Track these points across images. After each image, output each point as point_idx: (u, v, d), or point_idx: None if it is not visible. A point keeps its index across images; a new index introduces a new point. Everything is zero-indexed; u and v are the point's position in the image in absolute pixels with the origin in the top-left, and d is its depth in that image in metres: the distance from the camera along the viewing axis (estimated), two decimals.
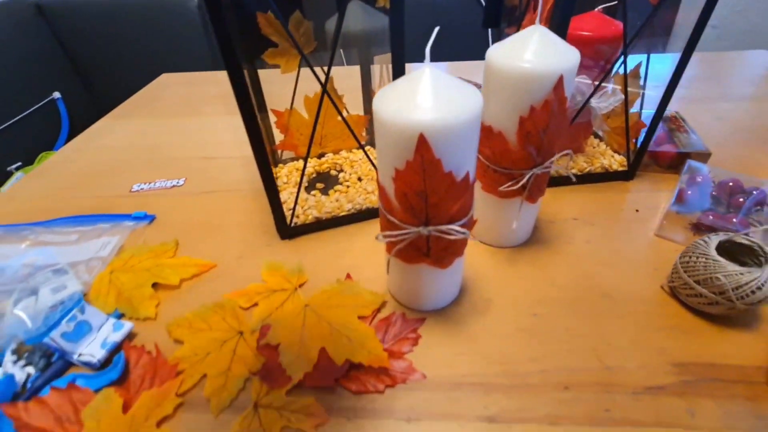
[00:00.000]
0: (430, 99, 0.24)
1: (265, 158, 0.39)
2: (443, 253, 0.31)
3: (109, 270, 0.42)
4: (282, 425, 0.29)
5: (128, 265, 0.42)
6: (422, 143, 0.24)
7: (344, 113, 0.52)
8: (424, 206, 0.28)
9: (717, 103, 0.68)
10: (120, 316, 0.38)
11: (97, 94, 1.46)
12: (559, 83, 0.30)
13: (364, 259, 0.42)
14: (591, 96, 0.43)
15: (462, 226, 0.29)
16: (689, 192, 0.44)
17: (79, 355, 0.34)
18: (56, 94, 1.33)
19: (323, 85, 0.38)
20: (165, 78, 0.94)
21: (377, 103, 0.26)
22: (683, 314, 0.35)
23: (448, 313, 0.37)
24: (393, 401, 0.31)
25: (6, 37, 1.24)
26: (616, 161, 0.52)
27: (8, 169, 1.18)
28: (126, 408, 0.31)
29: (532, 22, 0.41)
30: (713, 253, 0.33)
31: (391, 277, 0.37)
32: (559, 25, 0.37)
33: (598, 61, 0.46)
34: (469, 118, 0.25)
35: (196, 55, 1.33)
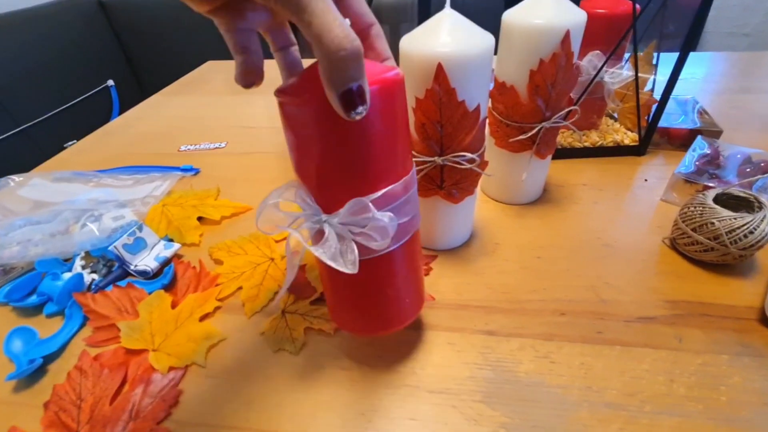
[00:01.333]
0: (448, 36, 0.29)
1: None
2: (455, 187, 0.35)
3: (162, 203, 0.48)
4: (305, 326, 0.34)
5: (177, 202, 0.48)
6: (440, 72, 0.28)
7: None
8: (440, 136, 0.32)
9: (737, 95, 0.69)
10: (170, 241, 0.43)
11: (145, 85, 1.58)
12: (566, 38, 0.34)
13: None
14: (602, 67, 0.47)
15: (473, 160, 0.32)
16: (697, 162, 0.46)
17: (136, 265, 0.39)
18: (110, 82, 1.45)
19: None
20: (209, 65, 1.02)
21: (404, 41, 0.30)
22: (680, 262, 0.38)
23: (458, 252, 0.40)
24: None
25: (70, 30, 1.38)
26: (629, 137, 0.54)
27: (65, 145, 1.30)
28: (174, 305, 0.36)
29: None
30: (709, 201, 0.35)
31: None
32: None
33: (611, 40, 0.49)
34: (481, 52, 0.29)
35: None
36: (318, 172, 0.24)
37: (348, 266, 0.23)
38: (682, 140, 0.53)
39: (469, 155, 0.32)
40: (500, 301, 0.35)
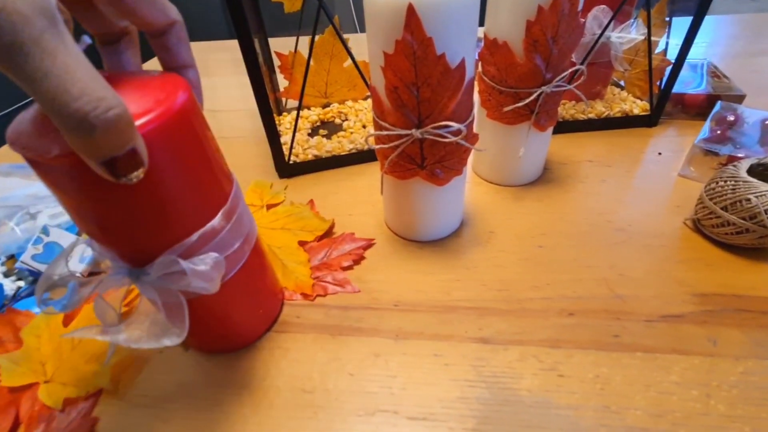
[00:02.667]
0: None
1: (262, 87, 0.37)
2: (439, 166, 0.29)
3: None
4: None
5: None
6: (411, 16, 0.22)
7: (347, 62, 0.51)
8: (416, 103, 0.26)
9: (755, 58, 0.62)
10: None
11: None
12: None
13: (361, 195, 0.41)
14: (609, 23, 0.40)
15: (459, 132, 0.26)
16: (718, 130, 0.40)
17: (58, 274, 0.33)
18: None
19: (321, 7, 0.37)
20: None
21: None
22: (707, 247, 0.32)
23: (446, 243, 0.34)
24: (379, 321, 0.29)
25: None
26: (639, 107, 0.48)
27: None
28: (67, 322, 0.29)
29: None
30: (743, 174, 0.30)
31: (386, 203, 0.35)
32: None
33: None
34: None
35: (215, 28, 1.35)
36: (105, 236, 0.20)
37: (175, 335, 0.20)
38: (698, 108, 0.47)
39: (454, 125, 0.26)
40: (496, 301, 0.29)
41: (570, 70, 0.32)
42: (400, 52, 0.24)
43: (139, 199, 0.18)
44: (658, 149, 0.44)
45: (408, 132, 0.27)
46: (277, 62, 0.52)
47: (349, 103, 0.57)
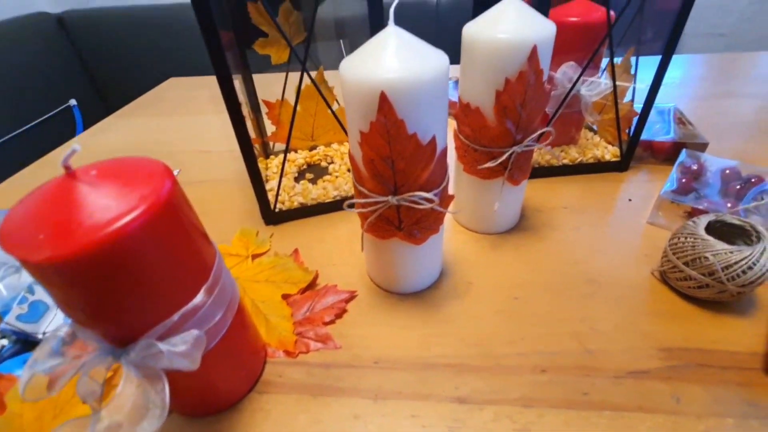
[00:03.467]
0: (394, 58, 0.24)
1: (245, 134, 0.39)
2: (416, 227, 0.30)
3: None
4: None
5: None
6: (384, 102, 0.24)
7: (335, 106, 0.53)
8: (392, 173, 0.27)
9: (720, 100, 0.66)
10: None
11: (110, 103, 1.51)
12: (533, 54, 0.30)
13: (344, 244, 0.42)
14: (578, 80, 0.43)
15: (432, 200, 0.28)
16: (683, 179, 0.42)
17: (44, 333, 0.34)
18: (72, 102, 1.38)
19: (305, 72, 0.39)
20: (171, 81, 0.96)
21: (344, 65, 0.25)
22: (673, 300, 0.34)
23: (425, 296, 0.35)
24: (359, 380, 0.29)
25: (28, 47, 1.31)
26: (610, 152, 0.50)
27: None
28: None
29: None
30: (702, 232, 0.31)
31: (367, 256, 0.36)
32: (540, 1, 0.36)
33: (587, 50, 0.46)
34: (434, 77, 0.24)
35: (205, 62, 1.37)
36: (90, 321, 0.21)
37: (156, 416, 0.20)
38: (666, 154, 0.50)
39: (425, 195, 0.27)
40: (473, 357, 0.30)
41: (539, 132, 0.34)
42: (375, 131, 0.25)
43: (124, 289, 0.19)
44: (629, 195, 0.46)
45: (384, 199, 0.28)
46: (264, 109, 0.53)
47: (335, 146, 0.58)
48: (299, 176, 0.53)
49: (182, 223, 0.21)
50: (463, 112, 0.35)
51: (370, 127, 0.25)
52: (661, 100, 0.46)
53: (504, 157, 0.34)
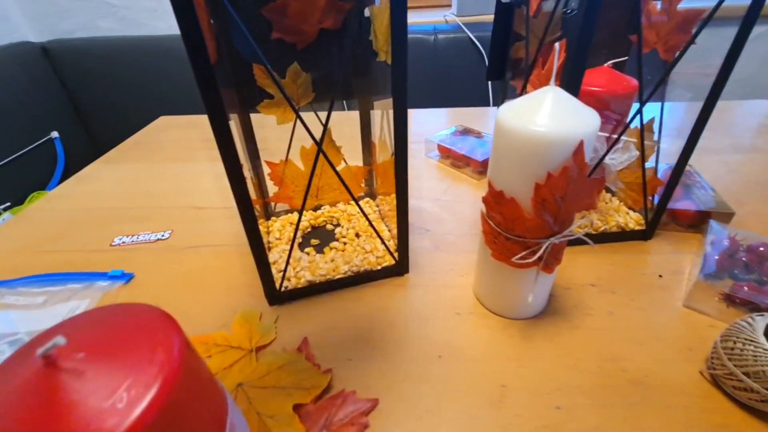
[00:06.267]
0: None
1: (252, 217, 0.35)
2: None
3: None
4: None
5: None
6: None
7: (342, 165, 0.50)
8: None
9: (727, 154, 0.66)
10: None
11: (95, 135, 1.46)
12: (580, 149, 0.27)
13: (359, 332, 0.38)
14: (606, 153, 0.41)
15: None
16: (716, 257, 0.40)
17: None
18: (54, 134, 1.32)
19: (318, 143, 0.36)
20: (163, 121, 0.92)
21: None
22: (732, 411, 0.30)
23: (454, 405, 0.32)
24: None
25: (11, 77, 1.26)
26: (632, 219, 0.48)
27: None
28: None
29: (541, 78, 0.39)
30: (762, 339, 0.29)
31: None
32: (571, 82, 0.34)
33: (609, 116, 0.44)
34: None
35: (197, 97, 1.34)
36: None
37: None
38: (690, 221, 0.48)
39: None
40: None
41: (580, 222, 0.32)
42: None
43: None
44: (657, 268, 0.43)
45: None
46: (267, 169, 0.50)
47: (341, 205, 0.55)
48: (304, 242, 0.49)
49: (194, 398, 0.17)
50: (495, 199, 0.32)
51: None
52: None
53: (541, 250, 0.31)
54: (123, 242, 0.52)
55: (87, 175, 0.69)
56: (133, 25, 1.43)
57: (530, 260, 0.32)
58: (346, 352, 0.36)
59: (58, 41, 1.36)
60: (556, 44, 0.30)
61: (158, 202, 0.60)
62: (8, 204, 1.16)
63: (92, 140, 1.46)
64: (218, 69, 0.39)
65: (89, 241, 0.52)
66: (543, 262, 0.33)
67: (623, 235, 0.47)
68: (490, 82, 1.21)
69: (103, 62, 1.36)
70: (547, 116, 0.28)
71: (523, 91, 0.44)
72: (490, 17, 0.53)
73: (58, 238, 0.53)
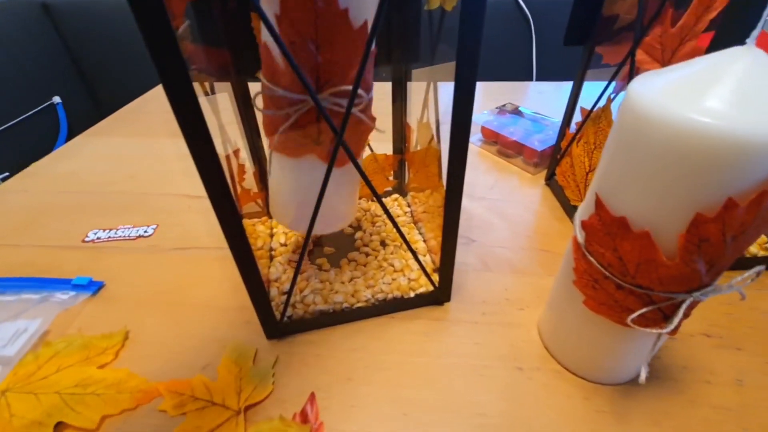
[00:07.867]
0: None
1: (235, 221, 0.25)
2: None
3: (4, 387, 0.28)
4: None
5: (35, 379, 0.29)
6: None
7: (365, 152, 0.38)
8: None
9: None
10: None
11: (100, 101, 1.37)
12: None
13: (387, 387, 0.28)
14: None
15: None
16: None
17: None
18: (56, 99, 1.24)
19: (336, 131, 0.24)
20: (159, 90, 0.82)
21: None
22: None
23: None
24: None
25: (8, 37, 1.16)
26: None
27: None
28: None
29: (668, 39, 0.26)
30: None
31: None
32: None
33: None
34: None
35: None
36: None
37: None
38: None
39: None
40: None
41: (751, 274, 0.20)
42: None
43: None
44: None
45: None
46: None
47: (362, 202, 0.44)
48: (315, 250, 0.39)
49: None
50: (608, 228, 0.21)
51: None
52: None
53: (681, 312, 0.20)
54: (98, 237, 0.43)
55: (67, 151, 0.60)
56: None
57: (656, 322, 0.20)
58: (366, 419, 0.26)
59: None
60: None
61: (144, 188, 0.51)
62: (6, 174, 1.09)
63: (97, 106, 1.37)
64: (201, 18, 0.27)
65: (59, 234, 0.43)
66: (674, 326, 0.21)
67: (743, 263, 0.35)
68: (535, 51, 1.06)
69: (110, 21, 1.25)
70: (733, 100, 0.16)
71: (629, 60, 0.32)
72: None
73: (23, 228, 0.44)
